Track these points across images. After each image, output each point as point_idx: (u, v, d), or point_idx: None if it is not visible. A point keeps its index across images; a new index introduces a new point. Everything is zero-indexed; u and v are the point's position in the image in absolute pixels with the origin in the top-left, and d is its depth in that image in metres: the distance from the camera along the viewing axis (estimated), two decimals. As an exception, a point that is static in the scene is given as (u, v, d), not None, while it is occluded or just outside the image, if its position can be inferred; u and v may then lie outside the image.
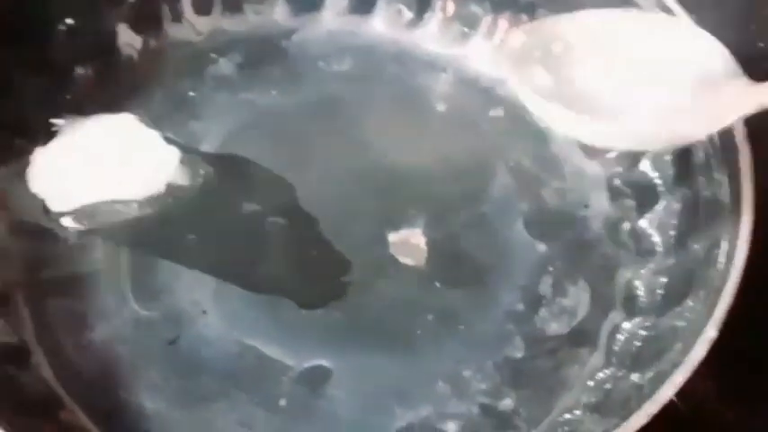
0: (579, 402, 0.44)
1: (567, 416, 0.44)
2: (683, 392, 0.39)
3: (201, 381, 0.44)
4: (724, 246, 0.43)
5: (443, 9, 0.55)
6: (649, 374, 0.42)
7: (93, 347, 0.45)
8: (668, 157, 0.49)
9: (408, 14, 0.56)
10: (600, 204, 0.51)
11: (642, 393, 0.40)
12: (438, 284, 0.48)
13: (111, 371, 0.44)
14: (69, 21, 0.51)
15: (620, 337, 0.47)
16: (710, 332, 0.39)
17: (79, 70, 0.52)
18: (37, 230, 0.48)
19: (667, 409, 0.38)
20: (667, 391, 0.38)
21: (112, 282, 0.47)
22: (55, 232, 0.48)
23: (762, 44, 0.60)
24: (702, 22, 0.48)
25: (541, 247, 0.50)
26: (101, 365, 0.44)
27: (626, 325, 0.47)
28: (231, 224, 0.49)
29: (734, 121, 0.43)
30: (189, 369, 0.45)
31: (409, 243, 0.49)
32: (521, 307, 0.48)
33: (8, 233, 0.47)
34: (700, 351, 0.39)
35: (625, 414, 0.39)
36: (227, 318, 0.46)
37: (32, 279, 0.46)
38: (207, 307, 0.46)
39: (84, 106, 0.51)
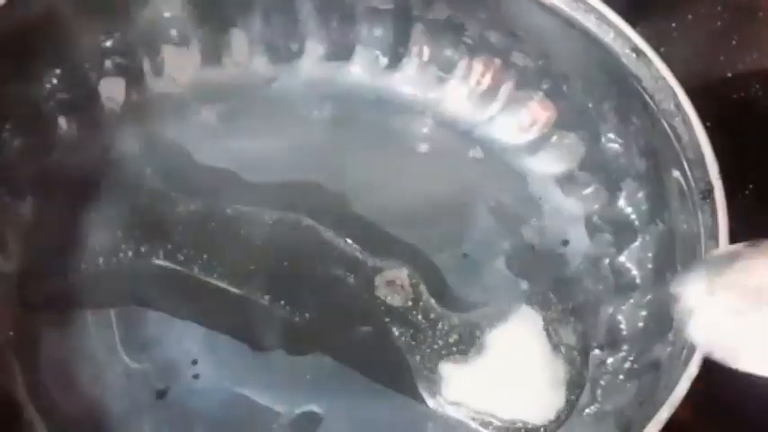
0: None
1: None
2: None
3: (193, 431, 0.45)
4: (702, 280, 0.43)
5: (419, 54, 0.56)
6: (634, 411, 0.43)
7: (86, 402, 0.45)
8: (641, 194, 0.50)
9: (385, 60, 0.57)
10: (580, 241, 0.52)
11: (631, 429, 0.41)
12: (425, 324, 0.48)
13: (104, 425, 0.44)
14: (55, 75, 0.52)
15: (605, 373, 0.47)
16: (692, 369, 0.40)
17: (63, 124, 0.53)
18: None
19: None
20: (653, 429, 0.38)
21: (102, 334, 0.47)
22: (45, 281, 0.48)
23: (730, 74, 0.61)
24: (672, 53, 0.49)
25: (524, 285, 0.50)
26: (93, 420, 0.44)
27: (610, 360, 0.48)
28: (219, 274, 0.50)
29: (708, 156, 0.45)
30: (180, 420, 0.45)
31: (395, 285, 0.50)
32: (506, 346, 0.48)
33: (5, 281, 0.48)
34: (683, 387, 0.39)
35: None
36: (217, 367, 0.47)
37: (23, 332, 0.47)
38: (197, 356, 0.47)
39: (68, 160, 0.52)
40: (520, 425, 0.46)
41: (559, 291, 0.50)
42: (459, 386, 0.47)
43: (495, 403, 0.46)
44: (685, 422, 0.46)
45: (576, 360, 0.48)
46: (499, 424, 0.46)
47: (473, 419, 0.46)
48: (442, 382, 0.47)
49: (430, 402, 0.46)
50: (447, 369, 0.47)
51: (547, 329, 0.49)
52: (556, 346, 0.48)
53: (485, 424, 0.46)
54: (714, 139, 0.46)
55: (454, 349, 0.48)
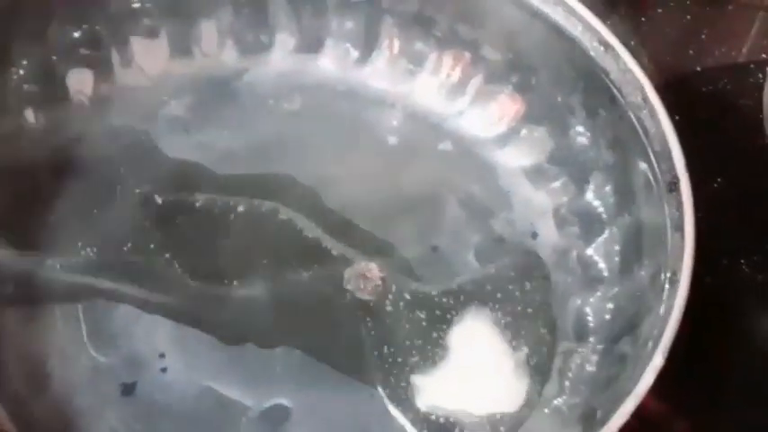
0: (539, 429, 0.45)
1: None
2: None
3: (161, 425, 0.45)
4: (668, 272, 0.44)
5: (390, 47, 0.56)
6: (601, 402, 0.43)
7: (53, 396, 0.45)
8: (609, 187, 0.51)
9: (355, 53, 0.57)
10: (548, 233, 0.52)
11: (595, 421, 0.41)
12: (395, 317, 0.48)
13: (72, 419, 0.44)
14: (22, 66, 0.51)
15: (572, 364, 0.47)
16: (657, 360, 0.40)
17: (30, 116, 0.52)
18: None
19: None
20: (618, 420, 0.39)
21: (69, 328, 0.47)
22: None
23: (699, 68, 0.62)
24: (642, 46, 0.50)
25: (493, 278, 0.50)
26: (61, 414, 0.44)
27: (578, 351, 0.48)
28: (187, 267, 0.49)
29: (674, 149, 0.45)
30: (149, 413, 0.45)
31: (365, 277, 0.50)
32: (476, 338, 0.48)
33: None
34: (648, 379, 0.40)
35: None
36: (185, 360, 0.46)
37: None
38: (165, 350, 0.47)
39: (35, 153, 0.51)
40: (492, 414, 0.46)
41: (528, 283, 0.50)
42: (430, 392, 0.47)
43: (466, 400, 0.47)
44: (653, 411, 0.47)
45: (543, 351, 0.48)
46: (474, 420, 0.46)
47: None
48: (413, 392, 0.47)
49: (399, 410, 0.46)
50: (417, 379, 0.47)
51: (513, 321, 0.49)
52: (521, 338, 0.48)
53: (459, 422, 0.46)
54: (683, 133, 0.47)
55: (421, 344, 0.48)
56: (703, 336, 0.47)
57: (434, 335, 0.48)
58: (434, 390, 0.47)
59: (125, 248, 0.49)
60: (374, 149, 0.55)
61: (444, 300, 0.49)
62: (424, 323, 0.49)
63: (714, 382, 0.50)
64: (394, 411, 0.46)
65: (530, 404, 0.46)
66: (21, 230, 0.49)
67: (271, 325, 0.48)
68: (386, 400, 0.46)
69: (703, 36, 0.63)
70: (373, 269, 0.50)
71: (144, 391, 0.45)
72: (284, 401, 0.46)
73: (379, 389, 0.46)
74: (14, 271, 0.48)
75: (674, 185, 0.45)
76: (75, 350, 0.46)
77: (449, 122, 0.56)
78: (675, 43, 0.63)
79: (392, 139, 0.56)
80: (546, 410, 0.46)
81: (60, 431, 0.44)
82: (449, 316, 0.49)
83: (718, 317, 0.50)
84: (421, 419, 0.46)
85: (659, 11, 0.63)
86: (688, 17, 0.64)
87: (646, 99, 0.47)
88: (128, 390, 0.45)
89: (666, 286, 0.43)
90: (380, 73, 0.57)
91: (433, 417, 0.46)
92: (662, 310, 0.42)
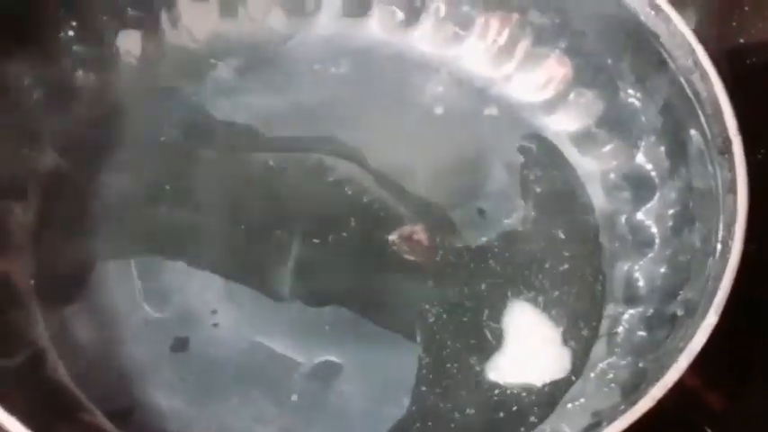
0: (583, 391, 0.45)
1: (571, 405, 0.45)
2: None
3: (214, 378, 0.45)
4: (720, 234, 0.44)
5: (436, 10, 0.56)
6: (652, 362, 0.43)
7: (108, 350, 0.45)
8: (660, 151, 0.50)
9: (401, 16, 0.57)
10: (596, 198, 0.52)
11: (646, 380, 0.41)
12: (441, 278, 0.49)
13: (126, 371, 0.45)
14: (72, 27, 0.51)
15: (621, 327, 0.47)
16: (711, 318, 0.40)
17: (80, 76, 0.53)
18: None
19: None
20: (672, 376, 0.39)
21: (123, 284, 0.47)
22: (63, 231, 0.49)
23: (742, 40, 0.61)
24: (685, 19, 0.49)
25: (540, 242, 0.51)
26: (116, 366, 0.45)
27: (626, 315, 0.48)
28: (240, 226, 0.50)
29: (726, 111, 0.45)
30: (201, 368, 0.45)
31: (412, 240, 0.50)
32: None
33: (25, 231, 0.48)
34: (702, 336, 0.40)
35: (630, 400, 0.40)
36: (236, 316, 0.47)
37: (44, 281, 0.47)
38: (217, 306, 0.47)
39: (86, 112, 0.52)
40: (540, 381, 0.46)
41: (576, 246, 0.51)
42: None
43: (513, 367, 0.47)
44: (692, 385, 0.47)
45: (590, 314, 0.48)
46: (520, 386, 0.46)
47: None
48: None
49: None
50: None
51: (560, 284, 0.49)
52: (568, 302, 0.49)
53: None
54: (727, 105, 0.46)
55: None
56: (741, 306, 0.47)
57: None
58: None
59: (177, 206, 0.50)
60: (420, 114, 0.55)
61: (491, 262, 0.50)
62: (469, 281, 0.49)
63: (749, 354, 0.50)
64: (442, 365, 0.46)
65: (576, 368, 0.47)
66: (72, 188, 0.50)
67: (319, 283, 0.48)
68: (434, 355, 0.46)
69: (746, 8, 0.62)
70: (419, 231, 0.50)
71: (196, 347, 0.46)
72: (334, 358, 0.46)
73: (426, 345, 0.47)
74: (65, 227, 0.49)
75: (726, 148, 0.45)
76: (129, 306, 0.47)
77: (495, 87, 0.56)
78: (718, 16, 0.62)
79: (438, 104, 0.56)
80: (592, 374, 0.46)
81: (115, 385, 0.45)
82: (494, 279, 0.49)
83: (757, 287, 0.50)
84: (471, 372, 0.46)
85: (703, -18, 0.63)
86: (730, -10, 0.63)
87: (697, 62, 0.47)
88: (181, 345, 0.46)
89: (719, 247, 0.43)
90: (427, 37, 0.57)
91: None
92: (714, 270, 0.42)
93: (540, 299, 0.49)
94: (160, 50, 0.55)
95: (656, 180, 0.50)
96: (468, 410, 0.45)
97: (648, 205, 0.50)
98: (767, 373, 0.50)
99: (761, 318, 0.50)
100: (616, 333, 0.47)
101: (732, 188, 0.44)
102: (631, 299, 0.48)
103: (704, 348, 0.40)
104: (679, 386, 0.39)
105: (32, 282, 0.47)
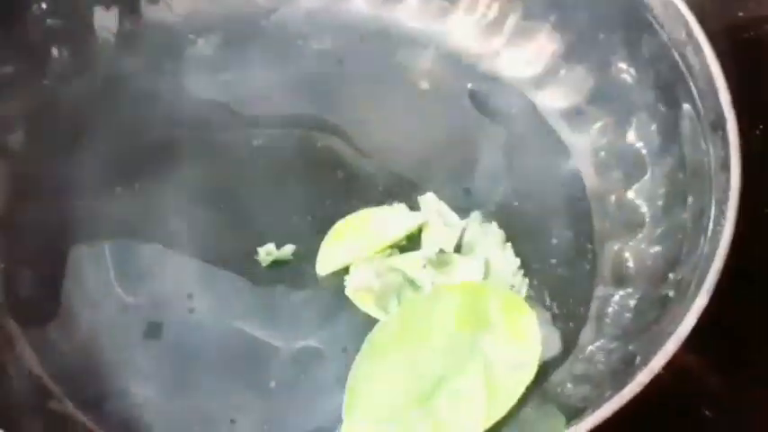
0: (570, 374, 0.44)
1: (559, 389, 0.44)
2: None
3: (190, 365, 0.44)
4: (712, 213, 0.43)
5: (424, -17, 0.55)
6: (640, 345, 0.42)
7: (80, 334, 0.45)
8: (652, 127, 0.49)
9: (388, -10, 0.56)
10: (587, 176, 0.51)
11: (634, 364, 0.40)
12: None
13: (98, 359, 0.44)
14: (44, 1, 0.50)
15: (610, 309, 0.47)
16: (701, 300, 0.39)
17: (54, 52, 0.52)
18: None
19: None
20: (659, 361, 0.38)
21: (96, 268, 0.47)
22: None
23: (741, 14, 0.60)
24: (684, -7, 0.48)
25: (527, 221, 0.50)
26: (87, 354, 0.44)
27: (616, 297, 0.47)
28: (218, 207, 0.49)
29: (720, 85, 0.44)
30: (176, 354, 0.45)
31: (396, 221, 0.49)
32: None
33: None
34: (691, 319, 0.39)
35: (618, 385, 0.38)
36: (213, 301, 0.46)
37: (13, 264, 0.46)
38: (192, 290, 0.46)
39: (60, 91, 0.51)
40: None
41: (565, 226, 0.50)
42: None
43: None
44: (686, 365, 0.46)
45: (579, 296, 0.47)
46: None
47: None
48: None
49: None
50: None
51: (548, 265, 0.48)
52: (556, 283, 0.48)
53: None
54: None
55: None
56: (736, 287, 0.46)
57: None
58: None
59: (152, 185, 0.49)
60: (406, 91, 0.54)
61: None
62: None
63: (747, 335, 0.49)
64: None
65: (565, 350, 0.46)
66: (43, 169, 0.49)
67: (300, 267, 0.47)
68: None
69: (746, -17, 0.61)
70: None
71: (171, 332, 0.45)
72: (314, 343, 0.45)
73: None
74: (38, 209, 0.48)
75: (719, 123, 0.44)
76: (103, 290, 0.46)
77: (484, 63, 0.54)
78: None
79: (425, 80, 0.54)
80: (581, 356, 0.45)
81: (88, 370, 0.44)
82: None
83: (751, 268, 0.49)
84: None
85: (700, -44, 0.62)
86: (728, -37, 0.62)
87: (690, 34, 0.46)
88: (155, 330, 0.45)
89: (711, 226, 0.42)
90: (413, 12, 0.56)
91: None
92: (706, 249, 0.41)
93: (528, 280, 0.48)
94: (138, 26, 0.54)
95: (648, 158, 0.49)
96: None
97: (639, 184, 0.49)
98: (766, 356, 0.49)
99: (758, 299, 0.49)
100: (605, 315, 0.46)
101: (725, 165, 0.43)
102: (621, 280, 0.47)
103: (703, 330, 0.39)
104: (677, 369, 0.38)
105: (2, 265, 0.46)
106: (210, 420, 0.43)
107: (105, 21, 0.53)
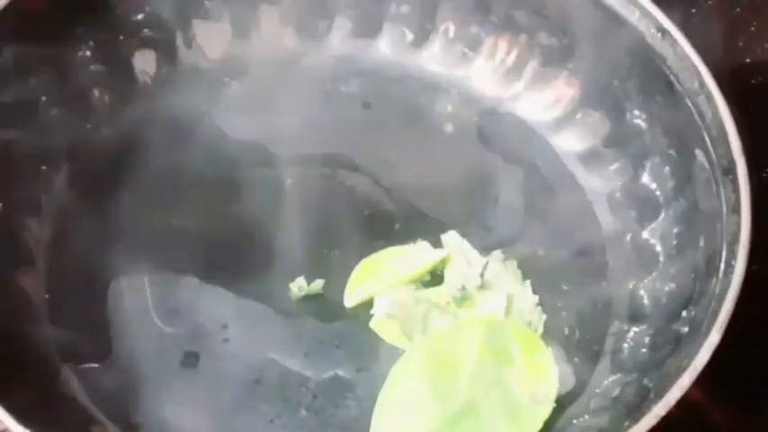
0: (587, 407, 0.46)
1: (575, 421, 0.45)
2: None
3: (224, 394, 0.46)
4: (723, 254, 0.44)
5: (446, 31, 0.57)
6: (655, 379, 0.43)
7: (119, 363, 0.46)
8: (668, 169, 0.51)
9: (411, 37, 0.57)
10: (602, 217, 0.53)
11: (649, 397, 0.42)
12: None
13: (138, 386, 0.46)
14: (89, 47, 0.53)
15: (626, 344, 0.48)
16: (714, 337, 0.41)
17: (96, 95, 0.54)
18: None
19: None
20: (675, 394, 0.39)
21: (135, 299, 0.48)
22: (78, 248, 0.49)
23: (749, 60, 0.61)
24: (690, 37, 0.50)
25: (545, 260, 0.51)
26: (126, 381, 0.46)
27: (631, 333, 0.48)
28: (252, 242, 0.51)
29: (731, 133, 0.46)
30: (211, 383, 0.46)
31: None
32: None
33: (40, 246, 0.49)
34: (704, 355, 0.40)
35: (634, 417, 0.40)
36: (246, 332, 0.48)
37: (56, 295, 0.48)
38: (227, 321, 0.48)
39: (101, 132, 0.53)
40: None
41: (582, 264, 0.51)
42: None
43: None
44: (694, 400, 0.47)
45: (595, 332, 0.49)
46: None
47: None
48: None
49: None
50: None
51: (566, 302, 0.50)
52: (573, 319, 0.49)
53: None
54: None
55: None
56: (745, 325, 0.47)
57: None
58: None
59: (189, 222, 0.51)
60: (429, 132, 0.56)
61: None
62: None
63: (755, 371, 0.50)
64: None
65: (582, 384, 0.47)
66: (87, 205, 0.51)
67: (329, 300, 0.49)
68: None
69: (752, 28, 0.63)
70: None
71: (207, 361, 0.47)
72: (342, 373, 0.47)
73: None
74: (81, 244, 0.50)
75: (730, 169, 0.46)
76: (141, 320, 0.48)
77: (503, 106, 0.56)
78: (725, 35, 0.63)
79: (447, 123, 0.56)
80: (597, 390, 0.47)
81: (126, 398, 0.45)
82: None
83: (760, 306, 0.50)
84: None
85: (709, 2, 0.63)
86: (737, 9, 0.63)
87: (702, 84, 0.48)
88: (192, 359, 0.47)
89: (722, 267, 0.44)
90: (436, 57, 0.58)
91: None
92: (718, 288, 0.43)
93: (546, 316, 0.49)
94: (175, 70, 0.56)
95: (661, 200, 0.51)
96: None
97: (653, 224, 0.51)
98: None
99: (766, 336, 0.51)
100: (621, 350, 0.48)
101: (736, 208, 0.44)
102: (636, 317, 0.49)
103: (710, 366, 0.40)
104: (685, 403, 0.39)
105: (46, 296, 0.48)
106: (243, 446, 0.45)
107: (144, 65, 0.55)
